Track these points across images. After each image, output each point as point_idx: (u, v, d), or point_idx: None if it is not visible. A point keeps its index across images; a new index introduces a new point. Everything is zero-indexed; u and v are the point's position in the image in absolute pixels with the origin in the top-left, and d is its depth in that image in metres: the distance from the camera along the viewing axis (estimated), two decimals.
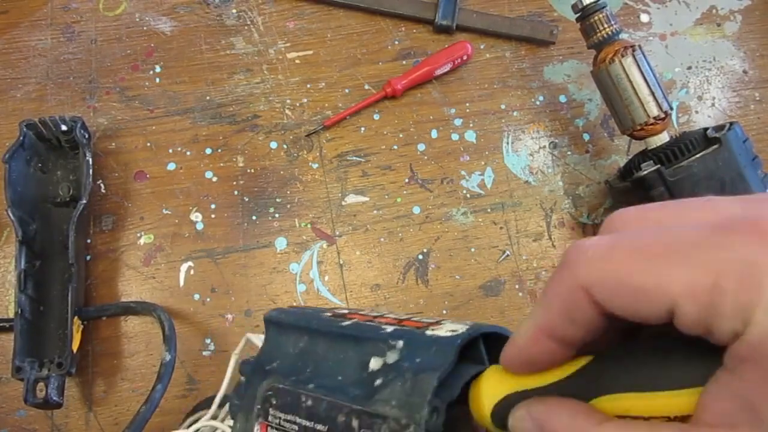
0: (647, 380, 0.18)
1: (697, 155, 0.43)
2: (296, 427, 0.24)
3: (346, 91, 0.54)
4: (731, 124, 0.45)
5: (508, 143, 0.53)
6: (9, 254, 0.49)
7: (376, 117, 0.53)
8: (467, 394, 0.22)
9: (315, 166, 0.52)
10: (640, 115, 0.45)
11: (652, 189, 0.43)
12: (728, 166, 0.43)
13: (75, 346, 0.44)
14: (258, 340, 0.27)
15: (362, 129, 0.53)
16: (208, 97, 0.53)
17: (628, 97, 0.45)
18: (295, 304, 0.49)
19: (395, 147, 0.53)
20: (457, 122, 0.53)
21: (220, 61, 0.54)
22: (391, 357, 0.23)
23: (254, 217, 0.50)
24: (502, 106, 0.54)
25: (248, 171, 0.51)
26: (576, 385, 0.19)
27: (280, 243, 0.50)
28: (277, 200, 0.51)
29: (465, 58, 0.53)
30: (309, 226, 0.50)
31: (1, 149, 0.48)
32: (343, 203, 0.51)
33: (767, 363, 0.15)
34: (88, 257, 0.49)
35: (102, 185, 0.50)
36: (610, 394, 0.18)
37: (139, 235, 0.50)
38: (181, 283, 0.49)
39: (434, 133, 0.53)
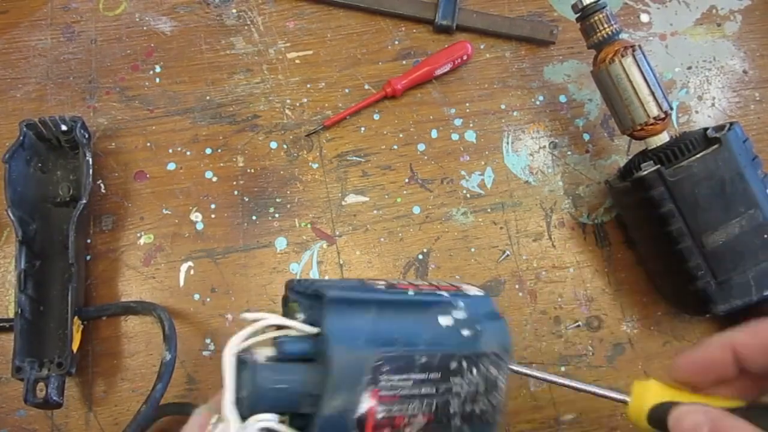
0: None
1: (697, 155, 0.43)
2: (410, 383, 0.28)
3: (346, 91, 0.54)
4: (731, 124, 0.45)
5: (508, 143, 0.53)
6: (9, 254, 0.49)
7: (376, 117, 0.53)
8: None
9: (315, 166, 0.52)
10: (640, 115, 0.45)
11: (652, 189, 0.43)
12: (728, 166, 0.43)
13: (75, 346, 0.44)
14: (253, 316, 0.28)
15: (362, 129, 0.53)
16: (208, 97, 0.53)
17: (628, 97, 0.45)
18: None
19: (395, 147, 0.53)
20: (457, 122, 0.53)
21: (220, 61, 0.54)
22: (459, 314, 0.31)
23: (254, 217, 0.50)
24: (502, 106, 0.54)
25: (248, 171, 0.51)
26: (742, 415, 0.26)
27: (280, 243, 0.50)
28: (277, 200, 0.51)
29: (465, 58, 0.53)
30: (309, 226, 0.51)
31: (1, 149, 0.48)
32: (343, 203, 0.51)
33: None
34: (88, 257, 0.49)
35: (102, 185, 0.50)
36: None
37: (139, 235, 0.50)
38: (181, 283, 0.49)
39: (434, 133, 0.53)
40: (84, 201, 0.46)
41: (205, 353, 0.47)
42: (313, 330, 0.29)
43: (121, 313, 0.47)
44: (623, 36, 0.48)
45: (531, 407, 0.47)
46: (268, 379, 0.27)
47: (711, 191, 0.43)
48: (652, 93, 0.45)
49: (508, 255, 0.51)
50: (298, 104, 0.53)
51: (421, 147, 0.53)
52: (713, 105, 0.55)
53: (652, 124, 0.45)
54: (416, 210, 0.51)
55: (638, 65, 0.45)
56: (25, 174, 0.47)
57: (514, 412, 0.47)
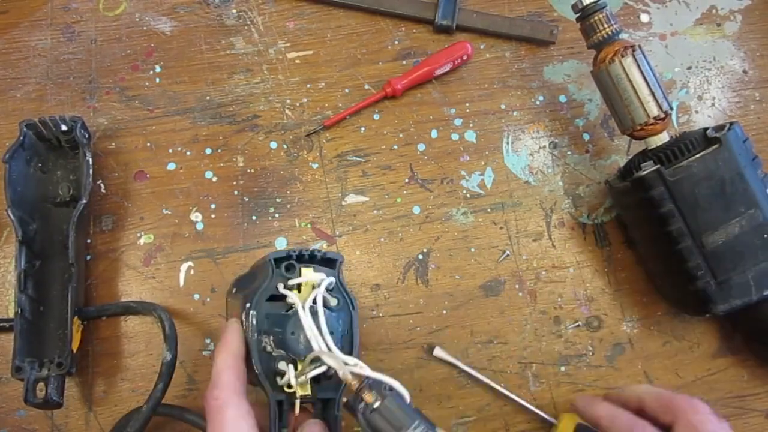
0: None
1: (697, 155, 0.43)
2: None
3: (346, 91, 0.54)
4: (731, 124, 0.45)
5: (508, 143, 0.53)
6: (9, 254, 0.49)
7: (376, 117, 0.53)
8: None
9: (315, 166, 0.52)
10: (640, 115, 0.45)
11: (652, 189, 0.43)
12: (728, 166, 0.43)
13: (75, 346, 0.44)
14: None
15: (362, 129, 0.53)
16: (208, 97, 0.53)
17: (628, 97, 0.45)
18: None
19: (395, 147, 0.53)
20: (457, 122, 0.53)
21: (220, 61, 0.54)
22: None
23: (254, 217, 0.50)
24: (502, 106, 0.54)
25: (248, 171, 0.51)
26: None
27: (280, 243, 0.50)
28: (277, 200, 0.51)
29: (465, 58, 0.53)
30: (309, 226, 0.51)
31: (1, 149, 0.48)
32: (343, 203, 0.51)
33: None
34: (88, 257, 0.49)
35: (102, 185, 0.50)
36: None
37: (139, 235, 0.50)
38: (181, 283, 0.49)
39: (434, 133, 0.53)
40: (84, 201, 0.46)
41: (205, 353, 0.47)
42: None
43: (121, 313, 0.47)
44: (623, 36, 0.48)
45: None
46: None
47: (711, 191, 0.43)
48: (652, 93, 0.45)
49: (508, 255, 0.51)
50: (298, 104, 0.53)
51: (421, 147, 0.53)
52: (713, 105, 0.55)
53: (652, 124, 0.45)
54: (416, 210, 0.51)
55: (638, 65, 0.45)
56: (25, 174, 0.47)
57: (514, 411, 0.48)
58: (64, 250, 0.45)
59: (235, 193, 0.51)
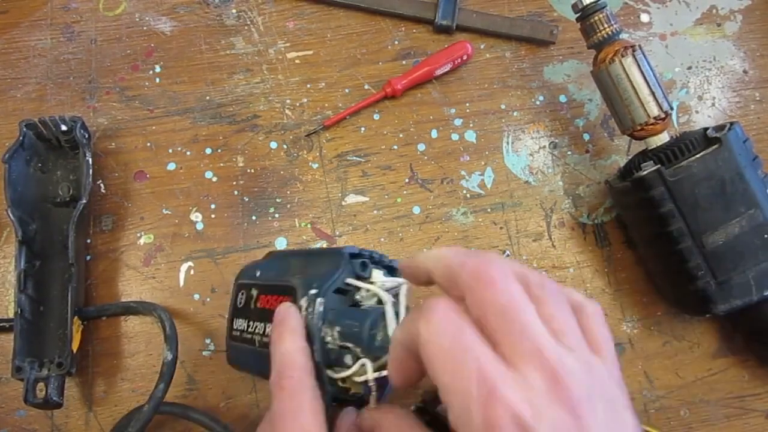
0: None
1: (698, 155, 0.43)
2: None
3: (346, 91, 0.54)
4: (731, 124, 0.45)
5: (508, 143, 0.53)
6: (9, 254, 0.49)
7: (376, 117, 0.53)
8: None
9: (315, 166, 0.52)
10: (640, 115, 0.45)
11: (652, 189, 0.43)
12: (728, 166, 0.43)
13: (75, 346, 0.44)
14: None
15: (362, 129, 0.53)
16: (208, 97, 0.53)
17: (628, 97, 0.45)
18: None
19: (395, 147, 0.53)
20: (457, 122, 0.53)
21: (220, 61, 0.54)
22: None
23: (254, 217, 0.50)
24: (502, 106, 0.54)
25: (248, 171, 0.51)
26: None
27: (280, 243, 0.50)
28: (277, 200, 0.51)
29: (465, 58, 0.53)
30: (309, 226, 0.50)
31: (1, 149, 0.48)
32: (343, 203, 0.51)
33: None
34: (88, 257, 0.49)
35: (102, 185, 0.50)
36: None
37: (139, 235, 0.50)
38: (181, 283, 0.49)
39: (434, 133, 0.53)
40: (84, 201, 0.46)
41: (205, 353, 0.47)
42: None
43: (121, 313, 0.47)
44: (623, 36, 0.48)
45: None
46: None
47: (711, 191, 0.43)
48: (652, 93, 0.45)
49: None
50: (298, 104, 0.53)
51: (421, 147, 0.53)
52: (713, 105, 0.55)
53: (652, 124, 0.45)
54: (416, 210, 0.51)
55: (638, 65, 0.45)
56: (25, 174, 0.47)
57: None
58: (64, 250, 0.45)
59: (235, 193, 0.51)
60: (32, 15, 0.54)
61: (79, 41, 0.54)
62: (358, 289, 0.34)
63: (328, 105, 0.53)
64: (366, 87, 0.54)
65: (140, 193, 0.50)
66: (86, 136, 0.48)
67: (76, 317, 0.44)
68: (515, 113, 0.54)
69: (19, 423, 0.45)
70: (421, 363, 0.26)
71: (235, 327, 0.39)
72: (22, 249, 0.44)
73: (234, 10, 0.55)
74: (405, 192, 0.52)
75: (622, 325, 0.50)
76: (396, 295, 0.33)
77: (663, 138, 0.46)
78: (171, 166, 0.51)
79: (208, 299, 0.48)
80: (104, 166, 0.51)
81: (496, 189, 0.52)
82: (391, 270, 0.37)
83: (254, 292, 0.38)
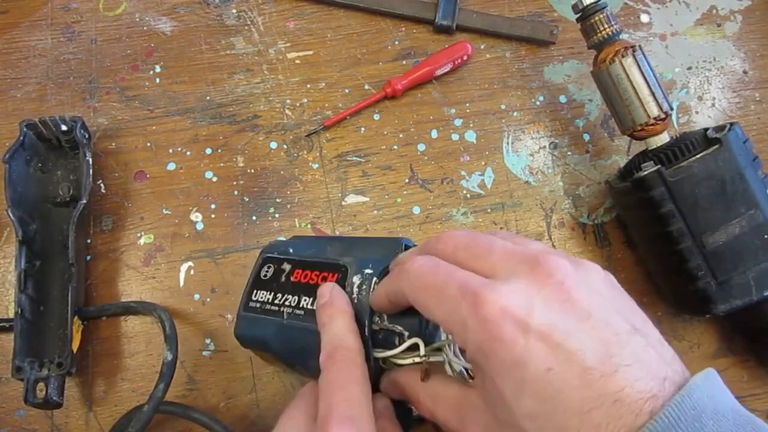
0: None
1: (698, 156, 0.43)
2: None
3: (346, 91, 0.54)
4: (731, 124, 0.45)
5: (508, 143, 0.53)
6: (9, 254, 0.49)
7: (376, 117, 0.53)
8: None
9: (315, 166, 0.52)
10: (640, 116, 0.45)
11: (652, 189, 0.43)
12: (728, 166, 0.43)
13: (75, 346, 0.44)
14: None
15: (362, 129, 0.53)
16: (208, 97, 0.53)
17: (628, 98, 0.45)
18: None
19: (395, 147, 0.53)
20: (457, 122, 0.53)
21: (220, 61, 0.54)
22: None
23: (254, 217, 0.50)
24: (502, 106, 0.54)
25: (248, 171, 0.51)
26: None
27: None
28: (277, 200, 0.51)
29: (465, 58, 0.53)
30: (309, 226, 0.50)
31: (1, 149, 0.48)
32: (343, 203, 0.51)
33: None
34: (88, 257, 0.49)
35: (102, 185, 0.50)
36: None
37: (139, 235, 0.50)
38: (181, 283, 0.49)
39: (434, 133, 0.53)
40: (84, 201, 0.46)
41: (205, 353, 0.47)
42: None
43: (121, 313, 0.47)
44: (623, 36, 0.48)
45: None
46: None
47: (711, 191, 0.43)
48: (653, 93, 0.45)
49: None
50: (298, 104, 0.53)
51: (421, 147, 0.53)
52: (713, 105, 0.55)
53: (652, 125, 0.45)
54: (416, 210, 0.51)
55: (638, 65, 0.45)
56: (25, 174, 0.47)
57: None
58: (64, 250, 0.45)
59: (235, 193, 0.51)
60: (32, 15, 0.54)
61: (79, 41, 0.54)
62: None
63: (328, 105, 0.53)
64: (366, 87, 0.54)
65: (140, 193, 0.50)
66: (86, 136, 0.48)
67: (76, 317, 0.44)
68: (515, 113, 0.54)
69: (19, 423, 0.45)
70: (394, 304, 0.31)
71: (254, 298, 0.38)
72: (22, 249, 0.44)
73: (234, 10, 0.55)
74: (405, 192, 0.52)
75: None
76: None
77: (663, 138, 0.46)
78: (171, 166, 0.51)
79: (208, 299, 0.48)
80: (104, 166, 0.51)
81: (496, 189, 0.52)
82: None
83: (287, 267, 0.38)
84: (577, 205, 0.52)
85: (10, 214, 0.44)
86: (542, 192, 0.52)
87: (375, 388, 0.33)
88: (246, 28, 0.55)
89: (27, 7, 0.54)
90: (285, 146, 0.52)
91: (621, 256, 0.51)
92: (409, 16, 0.55)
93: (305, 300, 0.36)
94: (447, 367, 0.31)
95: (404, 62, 0.55)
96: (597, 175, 0.53)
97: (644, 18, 0.57)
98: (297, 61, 0.54)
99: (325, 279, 0.36)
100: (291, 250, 0.40)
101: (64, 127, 0.47)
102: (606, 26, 0.46)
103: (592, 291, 0.26)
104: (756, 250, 0.43)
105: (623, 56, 0.45)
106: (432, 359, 0.31)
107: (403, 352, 0.32)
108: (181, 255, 0.49)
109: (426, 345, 0.32)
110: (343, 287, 0.34)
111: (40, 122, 0.46)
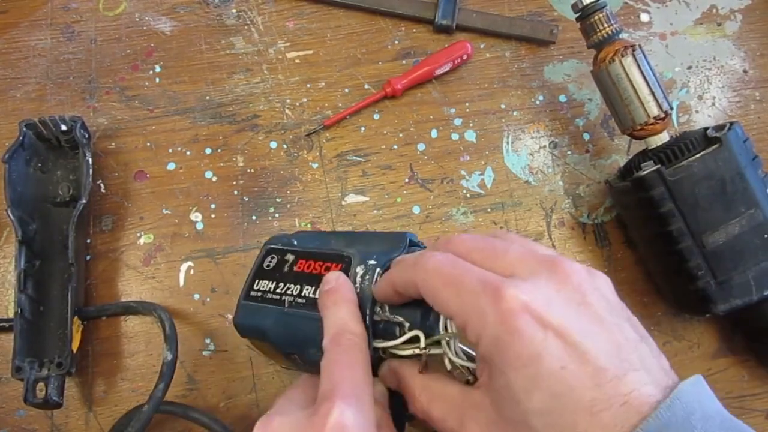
0: None
1: (698, 155, 0.43)
2: None
3: (346, 90, 0.54)
4: (731, 123, 0.45)
5: (508, 143, 0.53)
6: (9, 254, 0.49)
7: (376, 117, 0.53)
8: None
9: (315, 165, 0.52)
10: (640, 115, 0.45)
11: (652, 189, 0.43)
12: (728, 165, 0.43)
13: (75, 346, 0.44)
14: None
15: (362, 129, 0.53)
16: (208, 97, 0.53)
17: (628, 97, 0.45)
18: None
19: (395, 147, 0.53)
20: (457, 122, 0.53)
21: (220, 60, 0.54)
22: None
23: (254, 217, 0.50)
24: (502, 106, 0.54)
25: (248, 171, 0.51)
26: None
27: None
28: (277, 200, 0.51)
29: (465, 57, 0.53)
30: (309, 225, 0.50)
31: (1, 149, 0.48)
32: (343, 203, 0.51)
33: None
34: (88, 257, 0.49)
35: (102, 185, 0.50)
36: None
37: (139, 235, 0.50)
38: (181, 283, 0.49)
39: (434, 133, 0.53)
40: (84, 201, 0.46)
41: (204, 353, 0.47)
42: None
43: (121, 313, 0.47)
44: (623, 36, 0.48)
45: None
46: None
47: (711, 191, 0.43)
48: (652, 93, 0.45)
49: None
50: (298, 104, 0.53)
51: (421, 147, 0.53)
52: (713, 104, 0.55)
53: (652, 124, 0.45)
54: (416, 210, 0.51)
55: (638, 65, 0.45)
56: (25, 174, 0.47)
57: None
58: (64, 250, 0.45)
59: (235, 192, 0.51)
60: (32, 15, 0.54)
61: (79, 41, 0.54)
62: None
63: (328, 105, 0.53)
64: (366, 87, 0.54)
65: (140, 193, 0.50)
66: (86, 136, 0.48)
67: (76, 317, 0.44)
68: (515, 113, 0.54)
69: (19, 423, 0.45)
70: (400, 295, 0.31)
71: (256, 287, 0.39)
72: (22, 249, 0.44)
73: (234, 10, 0.55)
74: (405, 192, 0.52)
75: None
76: None
77: (663, 138, 0.46)
78: (171, 166, 0.51)
79: (208, 299, 0.48)
80: (104, 166, 0.51)
81: (496, 189, 0.52)
82: None
83: (290, 257, 0.39)
84: (577, 204, 0.52)
85: (10, 214, 0.44)
86: (542, 191, 0.52)
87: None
88: (246, 27, 0.55)
89: (27, 7, 0.54)
90: (285, 146, 0.52)
91: (621, 256, 0.51)
92: (408, 15, 0.55)
93: (308, 289, 0.36)
94: (446, 360, 0.31)
95: (404, 62, 0.55)
96: (597, 174, 0.53)
97: (644, 17, 0.57)
98: (297, 61, 0.54)
99: (328, 269, 0.36)
100: (295, 242, 0.40)
101: (63, 127, 0.47)
102: (606, 25, 0.46)
103: (604, 298, 0.27)
104: (756, 250, 0.43)
105: (623, 55, 0.45)
106: (432, 351, 0.31)
107: (403, 343, 0.32)
108: (180, 255, 0.49)
109: (426, 338, 0.32)
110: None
111: (39, 122, 0.46)
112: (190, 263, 0.49)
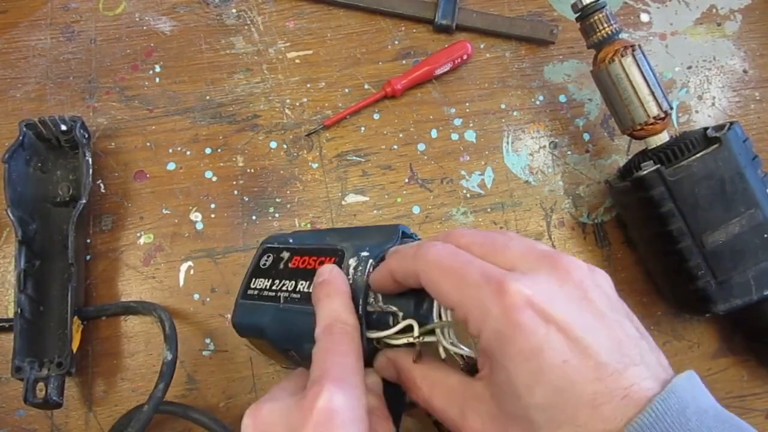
0: None
1: (697, 155, 0.43)
2: None
3: (346, 90, 0.54)
4: (731, 123, 0.45)
5: (508, 143, 0.53)
6: (9, 254, 0.49)
7: (376, 117, 0.53)
8: None
9: (315, 165, 0.52)
10: (640, 115, 0.45)
11: (652, 189, 0.43)
12: (728, 165, 0.43)
13: (75, 346, 0.44)
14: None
15: (362, 129, 0.53)
16: (207, 97, 0.53)
17: (628, 97, 0.45)
18: None
19: (395, 147, 0.53)
20: (457, 122, 0.53)
21: (220, 60, 0.54)
22: None
23: (254, 217, 0.50)
24: (502, 106, 0.54)
25: (248, 171, 0.51)
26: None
27: None
28: (277, 200, 0.51)
29: (465, 57, 0.53)
30: (309, 225, 0.50)
31: (1, 149, 0.48)
32: (343, 203, 0.51)
33: None
34: (88, 257, 0.49)
35: (102, 185, 0.50)
36: None
37: (138, 234, 0.50)
38: (181, 282, 0.49)
39: (434, 133, 0.53)
40: (84, 201, 0.46)
41: (204, 353, 0.47)
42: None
43: (121, 313, 0.47)
44: (623, 36, 0.48)
45: None
46: None
47: (711, 191, 0.43)
48: (652, 93, 0.45)
49: None
50: (298, 104, 0.53)
51: (421, 147, 0.53)
52: (713, 104, 0.55)
53: (652, 124, 0.45)
54: (416, 210, 0.51)
55: (638, 65, 0.45)
56: (25, 174, 0.47)
57: None
58: (64, 250, 0.45)
59: (235, 192, 0.51)
60: (32, 15, 0.54)
61: (79, 41, 0.54)
62: None
63: (328, 105, 0.53)
64: (366, 87, 0.54)
65: (140, 192, 0.50)
66: (86, 135, 0.48)
67: (75, 317, 0.44)
68: (515, 113, 0.54)
69: (18, 423, 0.45)
70: (398, 284, 0.30)
71: (252, 286, 0.39)
72: (22, 249, 0.44)
73: (234, 10, 0.55)
74: (405, 192, 0.52)
75: None
76: None
77: (663, 138, 0.46)
78: (171, 166, 0.51)
79: (208, 299, 0.48)
80: (104, 166, 0.51)
81: (496, 189, 0.52)
82: None
83: (285, 255, 0.39)
84: (577, 204, 0.52)
85: (10, 214, 0.44)
86: (542, 191, 0.52)
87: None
88: (246, 27, 0.55)
89: (26, 7, 0.54)
90: (285, 146, 0.52)
91: (621, 256, 0.51)
92: (408, 15, 0.55)
93: (302, 284, 0.36)
94: (440, 348, 0.31)
95: (404, 62, 0.55)
96: (597, 174, 0.53)
97: (644, 17, 0.57)
98: (297, 61, 0.54)
99: (322, 263, 0.36)
100: (291, 240, 0.40)
101: (63, 127, 0.47)
102: (605, 25, 0.46)
103: (605, 294, 0.27)
104: (756, 250, 0.43)
105: (623, 55, 0.45)
106: (426, 340, 0.31)
107: (396, 333, 0.32)
108: (180, 255, 0.49)
109: (420, 327, 0.32)
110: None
111: (39, 122, 0.46)
112: (190, 263, 0.49)
